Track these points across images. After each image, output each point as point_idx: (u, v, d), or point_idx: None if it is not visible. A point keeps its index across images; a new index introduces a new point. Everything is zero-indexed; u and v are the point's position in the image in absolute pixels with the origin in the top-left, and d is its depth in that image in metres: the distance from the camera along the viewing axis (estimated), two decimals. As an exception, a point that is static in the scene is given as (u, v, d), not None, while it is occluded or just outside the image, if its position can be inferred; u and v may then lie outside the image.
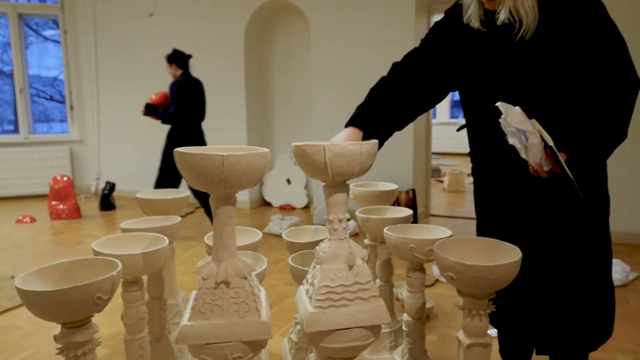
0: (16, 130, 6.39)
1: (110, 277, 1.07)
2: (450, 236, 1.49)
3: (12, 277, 3.05)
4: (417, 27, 4.19)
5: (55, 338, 1.08)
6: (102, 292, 1.05)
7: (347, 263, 1.17)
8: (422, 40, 1.45)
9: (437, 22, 1.44)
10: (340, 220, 1.19)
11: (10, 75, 6.35)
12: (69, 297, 1.00)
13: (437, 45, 1.41)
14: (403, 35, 4.20)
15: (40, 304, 1.00)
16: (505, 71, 1.27)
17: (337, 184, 1.18)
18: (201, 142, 4.06)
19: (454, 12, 1.39)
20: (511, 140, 1.14)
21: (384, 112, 1.38)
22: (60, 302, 1.00)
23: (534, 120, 1.12)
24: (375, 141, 1.19)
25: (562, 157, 1.11)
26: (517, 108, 1.11)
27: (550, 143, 1.10)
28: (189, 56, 4.09)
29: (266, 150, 1.10)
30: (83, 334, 1.08)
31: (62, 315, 1.03)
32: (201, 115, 4.08)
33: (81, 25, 6.21)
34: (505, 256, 1.24)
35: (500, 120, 1.14)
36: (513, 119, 1.11)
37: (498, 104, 1.13)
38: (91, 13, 6.05)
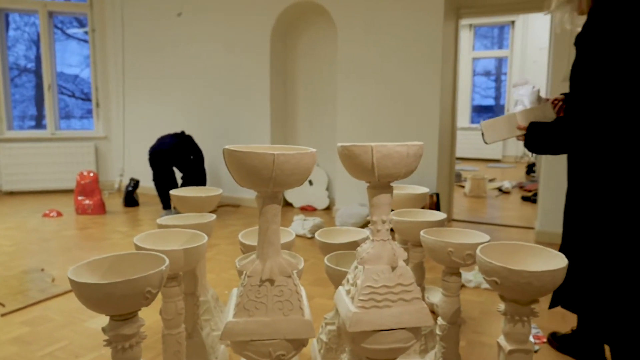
0: (37, 126, 6.49)
1: (160, 272, 1.09)
2: (489, 241, 1.48)
3: (42, 270, 3.11)
4: (445, 31, 4.17)
5: (104, 330, 1.10)
6: (152, 287, 1.07)
7: (390, 264, 1.17)
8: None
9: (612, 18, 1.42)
10: (383, 222, 1.19)
11: (34, 72, 6.47)
12: (120, 290, 1.02)
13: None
14: (431, 39, 4.18)
15: (92, 296, 1.02)
16: None
17: (382, 185, 1.18)
18: None
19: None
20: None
21: None
22: (112, 295, 1.02)
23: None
24: (421, 143, 1.19)
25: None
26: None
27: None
28: None
29: (313, 150, 1.11)
30: (130, 327, 1.10)
31: (113, 307, 1.05)
32: None
33: (109, 24, 6.31)
34: (548, 263, 1.23)
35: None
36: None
37: None
38: (119, 12, 6.14)
